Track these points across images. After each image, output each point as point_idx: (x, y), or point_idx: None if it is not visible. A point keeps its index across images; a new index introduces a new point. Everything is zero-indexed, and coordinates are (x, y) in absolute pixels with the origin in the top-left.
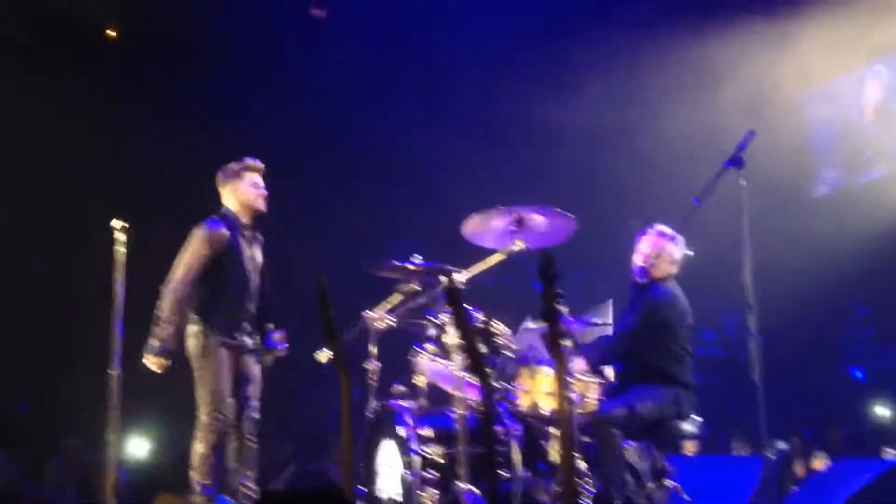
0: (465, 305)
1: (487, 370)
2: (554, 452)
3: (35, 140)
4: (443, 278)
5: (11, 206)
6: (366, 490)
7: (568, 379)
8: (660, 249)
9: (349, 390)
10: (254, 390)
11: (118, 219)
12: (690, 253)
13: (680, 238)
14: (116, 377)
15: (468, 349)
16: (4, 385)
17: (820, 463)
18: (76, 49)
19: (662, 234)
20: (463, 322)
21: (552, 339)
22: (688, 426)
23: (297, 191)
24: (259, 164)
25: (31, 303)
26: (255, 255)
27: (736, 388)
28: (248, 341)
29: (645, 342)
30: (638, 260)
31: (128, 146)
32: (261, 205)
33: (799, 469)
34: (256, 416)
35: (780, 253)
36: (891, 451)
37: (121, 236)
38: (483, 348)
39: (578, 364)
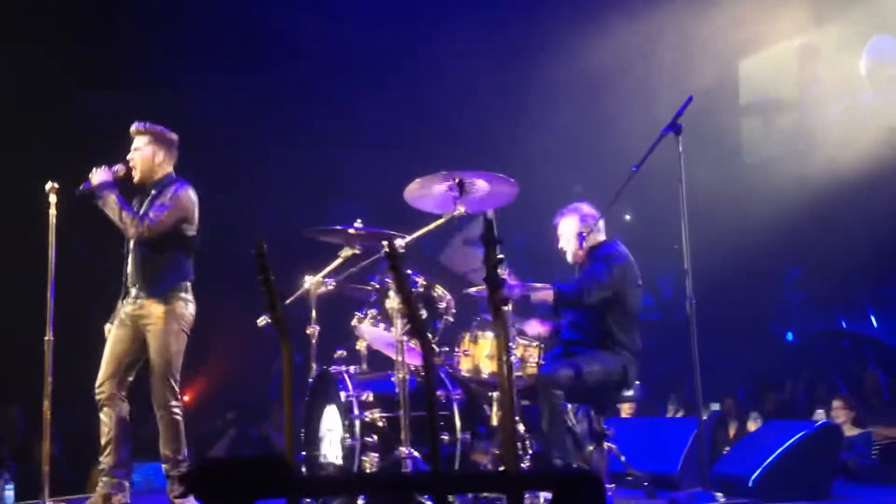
0: (405, 270)
1: (428, 335)
2: (494, 416)
3: None
4: (384, 243)
5: None
6: (307, 455)
7: (509, 343)
8: (587, 221)
9: (290, 356)
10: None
11: (51, 181)
12: (627, 217)
13: (581, 203)
14: (49, 342)
15: (409, 314)
16: None
17: (753, 425)
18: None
19: (578, 209)
20: (403, 286)
21: (494, 304)
22: (630, 391)
23: (239, 154)
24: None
25: None
26: None
27: (672, 351)
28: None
29: (602, 305)
30: (568, 241)
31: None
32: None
33: (732, 430)
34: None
35: (715, 218)
36: (821, 412)
37: (53, 198)
38: (424, 313)
39: (532, 326)
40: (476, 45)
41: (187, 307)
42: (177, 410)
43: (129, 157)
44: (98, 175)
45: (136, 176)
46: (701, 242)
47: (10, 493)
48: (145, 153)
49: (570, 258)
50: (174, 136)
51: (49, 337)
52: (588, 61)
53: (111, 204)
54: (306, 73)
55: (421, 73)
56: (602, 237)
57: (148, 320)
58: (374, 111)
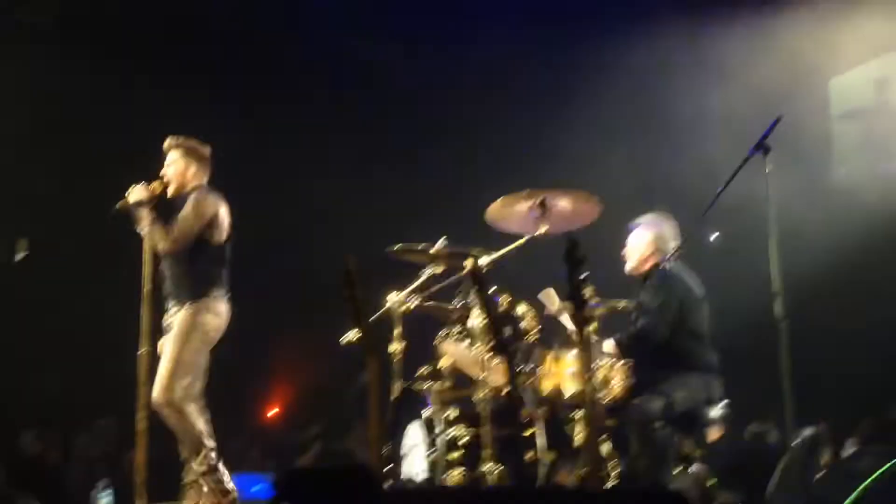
0: (488, 288)
1: (511, 352)
2: (578, 435)
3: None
4: (467, 262)
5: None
6: (392, 471)
7: (592, 363)
8: (652, 240)
9: (376, 371)
10: None
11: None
12: (717, 234)
13: (666, 223)
14: (146, 354)
15: (492, 332)
16: (37, 362)
17: (849, 450)
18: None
19: (657, 225)
20: (486, 305)
21: (577, 324)
22: (716, 411)
23: (323, 176)
24: None
25: (66, 280)
26: None
27: (763, 375)
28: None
29: (665, 328)
30: (634, 252)
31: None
32: None
33: (826, 456)
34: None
35: (806, 238)
36: None
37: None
38: (507, 331)
39: (608, 345)
40: (560, 55)
41: (209, 317)
42: (189, 408)
43: (162, 172)
44: (134, 193)
45: (170, 191)
46: (792, 263)
47: (108, 499)
48: (178, 167)
49: (627, 269)
50: (207, 149)
51: (145, 349)
52: (669, 82)
53: (145, 221)
54: (387, 93)
55: (503, 92)
56: (661, 258)
57: (172, 327)
58: (455, 131)
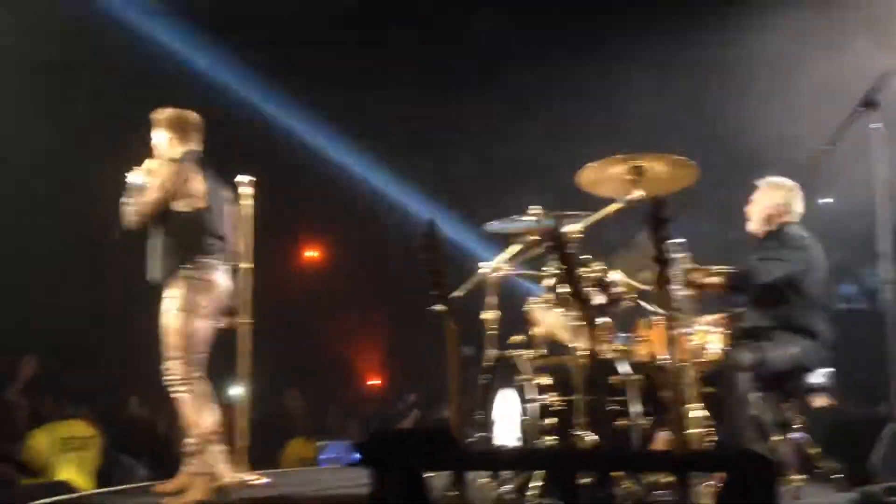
0: (572, 253)
1: (603, 318)
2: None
3: None
4: (548, 226)
5: None
6: (483, 437)
7: (688, 328)
8: (780, 200)
9: (454, 335)
10: None
11: (243, 174)
12: (829, 200)
13: (796, 186)
14: (248, 325)
15: (576, 296)
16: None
17: None
18: None
19: (784, 185)
20: (570, 270)
21: (661, 283)
22: (819, 378)
23: (419, 152)
24: None
25: None
26: None
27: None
28: None
29: (780, 288)
30: (759, 210)
31: None
32: None
33: None
34: None
35: None
36: None
37: (247, 190)
38: (600, 298)
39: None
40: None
41: (186, 286)
42: (178, 389)
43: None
44: (131, 176)
45: None
46: None
47: None
48: (159, 141)
49: (751, 227)
50: (187, 115)
51: (246, 320)
52: (766, 42)
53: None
54: (483, 63)
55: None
56: (789, 219)
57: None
58: (551, 101)
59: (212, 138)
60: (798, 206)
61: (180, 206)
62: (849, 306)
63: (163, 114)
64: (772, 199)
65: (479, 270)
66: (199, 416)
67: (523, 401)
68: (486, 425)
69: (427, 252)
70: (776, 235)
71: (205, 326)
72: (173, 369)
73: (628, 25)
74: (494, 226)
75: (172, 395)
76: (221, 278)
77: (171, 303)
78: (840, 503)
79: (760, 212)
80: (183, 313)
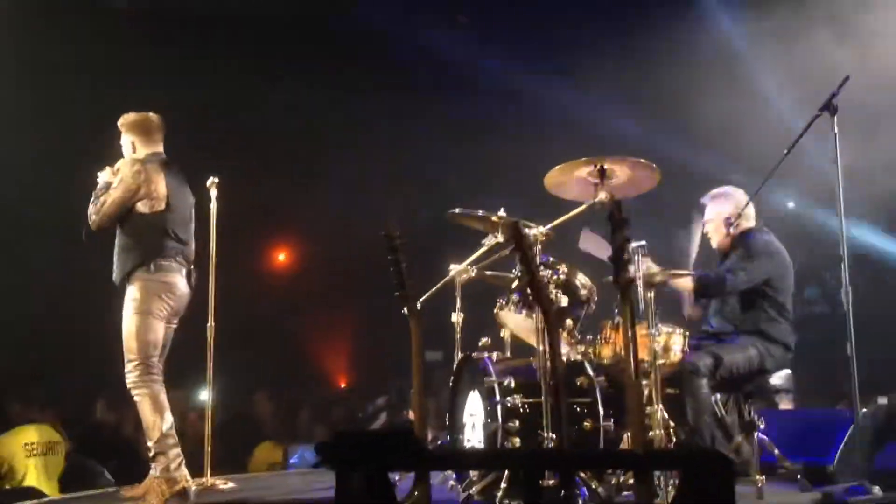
0: (534, 256)
1: (568, 321)
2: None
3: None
4: (507, 225)
5: None
6: (451, 439)
7: (651, 330)
8: (729, 209)
9: (418, 332)
10: None
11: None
12: (791, 205)
13: (736, 191)
14: (212, 329)
15: (539, 299)
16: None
17: None
18: None
19: (728, 194)
20: (532, 272)
21: (622, 285)
22: (779, 380)
23: (379, 146)
24: None
25: None
26: None
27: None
28: None
29: (746, 296)
30: (716, 227)
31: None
32: None
33: None
34: None
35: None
36: None
37: (214, 192)
38: (565, 300)
39: (684, 281)
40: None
41: (142, 289)
42: (137, 391)
43: None
44: (100, 176)
45: None
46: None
47: None
48: (124, 146)
49: (714, 244)
50: (149, 117)
51: (211, 324)
52: (733, 44)
53: None
54: (447, 66)
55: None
56: (749, 224)
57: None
58: (523, 103)
59: (178, 138)
60: (749, 209)
61: (141, 207)
62: (811, 309)
63: (126, 119)
64: (721, 212)
65: (449, 271)
66: (157, 417)
67: (489, 403)
68: (455, 427)
69: (392, 256)
70: (739, 244)
71: (162, 328)
72: (130, 371)
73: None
74: (457, 211)
75: (133, 398)
76: (179, 281)
77: (128, 305)
78: (802, 503)
79: (716, 227)
80: (138, 316)
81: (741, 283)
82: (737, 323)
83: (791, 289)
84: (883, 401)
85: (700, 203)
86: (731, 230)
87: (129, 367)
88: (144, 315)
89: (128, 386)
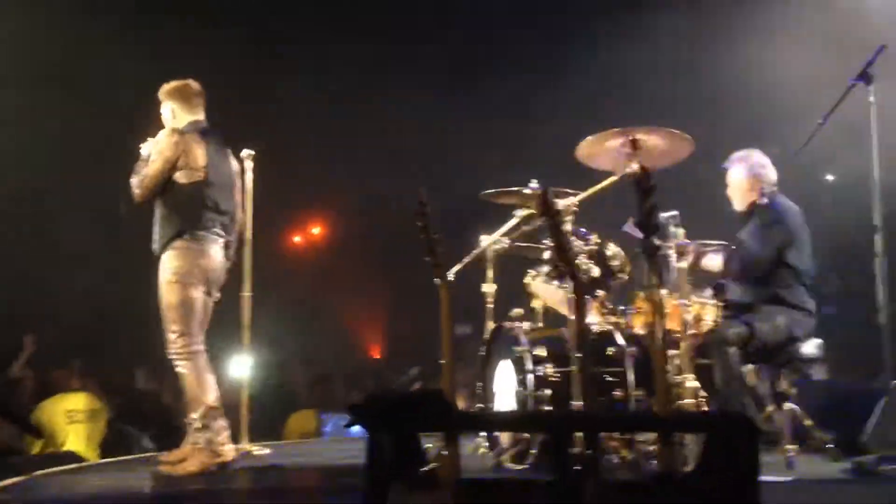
0: (564, 226)
1: (599, 291)
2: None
3: None
4: (537, 196)
5: None
6: (483, 408)
7: (684, 300)
8: (755, 171)
9: (447, 299)
10: None
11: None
12: (830, 178)
13: (757, 154)
14: (248, 298)
15: (570, 270)
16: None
17: None
18: None
19: (747, 158)
20: (562, 243)
21: (648, 252)
22: (810, 349)
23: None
24: None
25: None
26: None
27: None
28: None
29: (763, 264)
30: (735, 190)
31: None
32: None
33: None
34: None
35: None
36: None
37: (249, 164)
38: (597, 270)
39: (716, 260)
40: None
41: (187, 261)
42: (180, 363)
43: None
44: (143, 148)
45: None
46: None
47: None
48: (165, 115)
49: (736, 206)
50: (188, 84)
51: (247, 293)
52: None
53: None
54: (477, 35)
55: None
56: (764, 189)
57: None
58: (557, 79)
59: (217, 110)
60: (770, 174)
61: (180, 177)
62: (846, 284)
63: (166, 87)
64: (740, 176)
65: (480, 242)
66: (201, 389)
67: (520, 372)
68: (486, 397)
69: (422, 223)
70: (755, 210)
71: (200, 298)
72: (172, 342)
73: None
74: (488, 194)
75: (175, 369)
76: (216, 252)
77: (164, 275)
78: (833, 473)
79: (736, 191)
80: (175, 285)
81: (767, 261)
82: (760, 293)
83: (807, 252)
84: None
85: (721, 167)
86: (750, 195)
87: (170, 337)
88: (182, 285)
89: (170, 357)
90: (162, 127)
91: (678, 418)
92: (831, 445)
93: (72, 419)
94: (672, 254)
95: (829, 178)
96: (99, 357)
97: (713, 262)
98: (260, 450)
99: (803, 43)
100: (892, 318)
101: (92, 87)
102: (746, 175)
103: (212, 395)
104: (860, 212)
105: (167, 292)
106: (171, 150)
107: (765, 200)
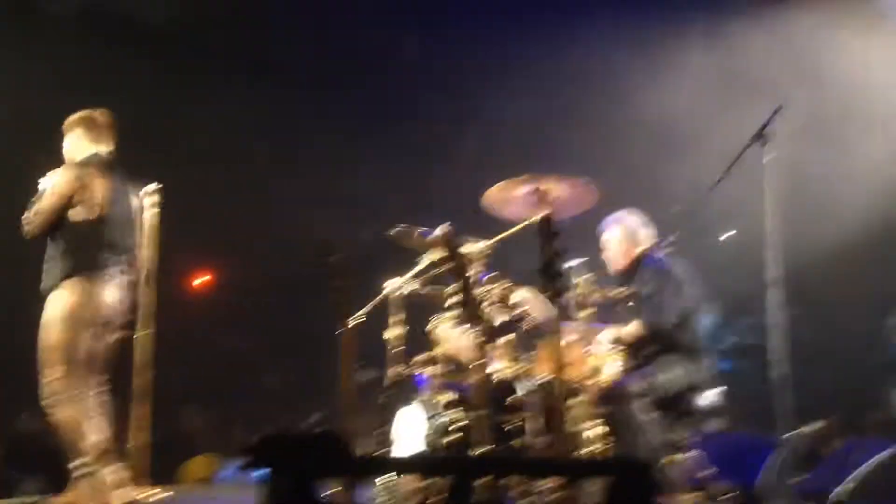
0: (469, 272)
1: (504, 337)
2: (571, 420)
3: None
4: (444, 242)
5: None
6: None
7: (587, 349)
8: (621, 235)
9: (350, 342)
10: None
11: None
12: (732, 233)
13: (626, 215)
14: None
15: (474, 315)
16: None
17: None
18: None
19: (621, 220)
20: (467, 289)
21: (551, 296)
22: (710, 399)
23: (318, 160)
24: None
25: None
26: None
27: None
28: None
29: (671, 314)
30: (611, 252)
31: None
32: None
33: (830, 450)
34: None
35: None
36: None
37: (153, 198)
38: (502, 317)
39: (606, 333)
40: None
41: (69, 298)
42: (56, 408)
43: None
44: (43, 181)
45: None
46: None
47: None
48: (66, 147)
49: (611, 270)
50: (95, 114)
51: (147, 332)
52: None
53: None
54: (386, 79)
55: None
56: (640, 248)
57: None
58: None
59: (122, 142)
60: (641, 231)
61: (75, 214)
62: (741, 340)
63: (73, 116)
64: (613, 238)
65: (384, 287)
66: (81, 434)
67: (428, 417)
68: (387, 443)
69: (327, 269)
70: (634, 270)
71: (87, 340)
72: (48, 385)
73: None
74: (398, 229)
75: (51, 416)
76: (110, 292)
77: (51, 314)
78: None
79: (612, 254)
80: (61, 325)
81: (669, 317)
82: (656, 342)
83: (693, 301)
84: (814, 427)
85: (598, 231)
86: (628, 255)
87: (48, 380)
88: (69, 326)
89: (44, 401)
90: (62, 161)
91: (580, 463)
92: (727, 496)
93: None
94: (573, 302)
95: (722, 237)
96: None
97: (607, 336)
98: (153, 495)
99: (707, 90)
100: (784, 373)
101: None
102: (621, 235)
103: (97, 439)
104: (754, 268)
105: (52, 332)
106: (66, 186)
107: (644, 260)
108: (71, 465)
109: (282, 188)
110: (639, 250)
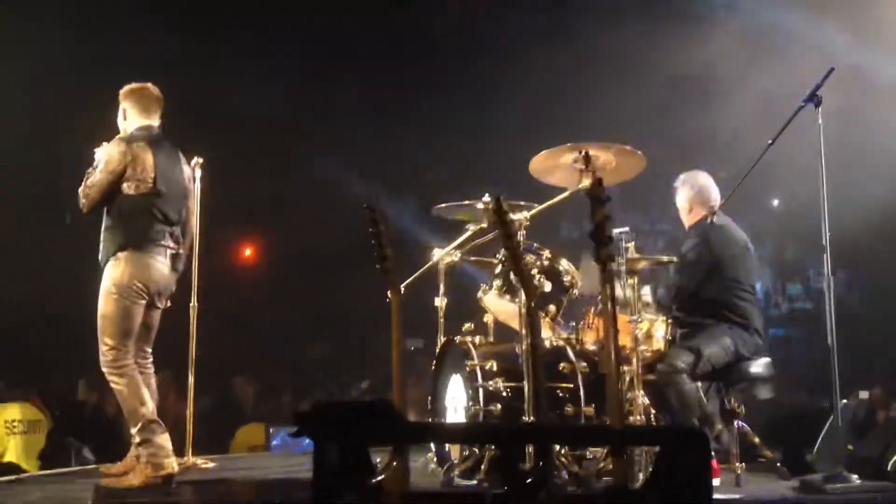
0: (517, 241)
1: (551, 306)
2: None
3: None
4: (491, 210)
5: None
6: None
7: (634, 317)
8: (691, 196)
9: (398, 304)
10: None
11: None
12: (776, 203)
13: (698, 175)
14: (195, 309)
15: (523, 284)
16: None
17: None
18: None
19: (690, 181)
20: (516, 257)
21: (601, 262)
22: (758, 368)
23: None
24: None
25: None
26: None
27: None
28: None
29: (698, 280)
30: (681, 212)
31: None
32: None
33: (882, 418)
34: None
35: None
36: None
37: (199, 172)
38: (549, 286)
39: (645, 291)
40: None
41: (129, 273)
42: (113, 377)
43: None
44: (98, 152)
45: None
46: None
47: None
48: (119, 117)
49: (686, 226)
50: (146, 87)
51: (194, 304)
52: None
53: None
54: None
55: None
56: (705, 210)
57: None
58: (509, 97)
59: (172, 117)
60: (711, 194)
61: (127, 188)
62: (794, 305)
63: (125, 88)
64: (683, 196)
65: (432, 256)
66: (137, 403)
67: (470, 386)
68: (437, 411)
69: (374, 235)
70: (693, 230)
71: (139, 312)
72: (104, 355)
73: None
74: (441, 209)
75: (109, 383)
76: (161, 264)
77: (105, 285)
78: (780, 491)
79: (681, 213)
80: (113, 297)
81: (692, 284)
82: (701, 308)
83: (748, 269)
84: (864, 395)
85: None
86: (694, 214)
87: (103, 349)
88: (120, 297)
89: (103, 370)
90: (117, 131)
91: (631, 432)
92: (779, 464)
93: (11, 430)
94: (623, 270)
95: (776, 202)
96: (40, 367)
97: (645, 292)
98: (205, 463)
99: (758, 63)
100: (840, 339)
101: (35, 90)
102: (687, 196)
103: (150, 409)
104: (808, 233)
105: (105, 303)
106: (117, 162)
107: (701, 221)
108: (128, 433)
109: (326, 160)
110: (703, 212)
